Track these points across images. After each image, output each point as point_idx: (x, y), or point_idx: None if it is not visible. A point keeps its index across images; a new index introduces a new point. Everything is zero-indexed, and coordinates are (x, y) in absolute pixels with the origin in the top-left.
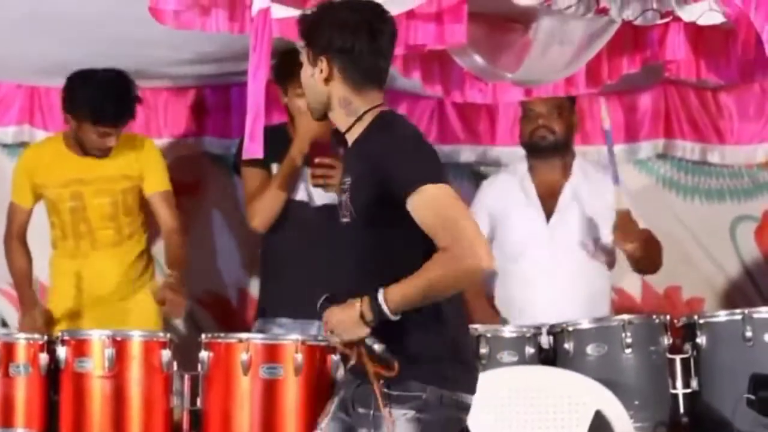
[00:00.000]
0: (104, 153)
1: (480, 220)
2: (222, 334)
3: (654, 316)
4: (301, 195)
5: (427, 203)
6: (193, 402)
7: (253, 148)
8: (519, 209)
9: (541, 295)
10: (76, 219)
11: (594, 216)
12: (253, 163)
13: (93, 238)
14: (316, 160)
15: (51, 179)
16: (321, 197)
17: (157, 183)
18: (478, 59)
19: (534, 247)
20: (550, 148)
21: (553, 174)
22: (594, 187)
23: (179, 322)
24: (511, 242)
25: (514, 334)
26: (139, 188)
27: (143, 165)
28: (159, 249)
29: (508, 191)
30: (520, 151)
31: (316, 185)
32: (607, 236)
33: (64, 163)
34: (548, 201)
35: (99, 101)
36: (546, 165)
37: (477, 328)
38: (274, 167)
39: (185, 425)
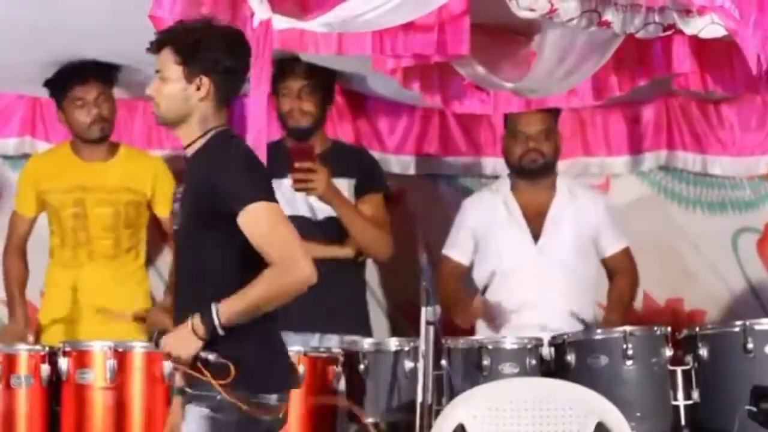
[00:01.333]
0: (99, 131)
1: (462, 239)
2: None
3: (655, 328)
4: (303, 210)
5: (255, 220)
6: None
7: None
8: (504, 230)
9: (528, 316)
10: (77, 226)
11: (580, 235)
12: None
13: (90, 249)
14: (296, 165)
15: (55, 185)
16: (323, 211)
17: (170, 206)
18: (480, 69)
19: (521, 268)
20: (539, 171)
21: (537, 194)
22: (580, 205)
23: None
24: (497, 263)
25: (516, 346)
26: (144, 204)
27: (155, 186)
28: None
29: (492, 211)
30: None
31: (297, 190)
32: (591, 253)
33: (68, 169)
34: (534, 221)
35: (67, 64)
36: (531, 185)
37: (479, 339)
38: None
39: None
